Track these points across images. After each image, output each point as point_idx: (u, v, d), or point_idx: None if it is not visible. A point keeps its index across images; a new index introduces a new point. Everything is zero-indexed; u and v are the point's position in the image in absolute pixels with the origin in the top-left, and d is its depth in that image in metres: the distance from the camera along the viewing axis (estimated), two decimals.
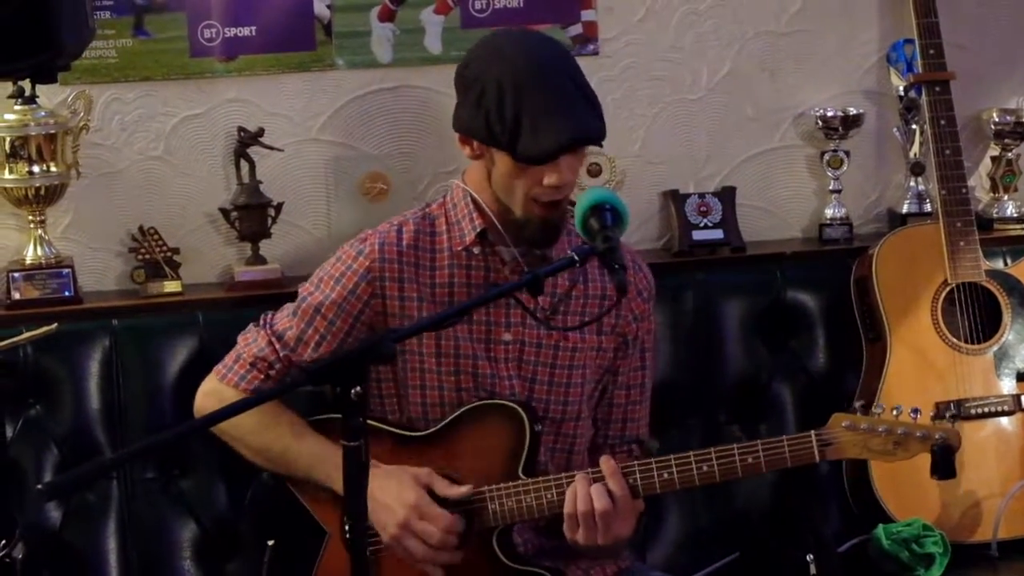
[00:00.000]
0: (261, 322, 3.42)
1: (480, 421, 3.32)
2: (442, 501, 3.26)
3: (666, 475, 3.21)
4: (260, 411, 3.27)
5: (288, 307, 3.41)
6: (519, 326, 3.36)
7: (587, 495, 3.18)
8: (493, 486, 3.26)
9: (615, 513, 3.18)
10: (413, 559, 3.26)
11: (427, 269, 3.35)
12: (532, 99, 3.16)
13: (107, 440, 3.70)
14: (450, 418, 3.34)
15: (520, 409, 3.30)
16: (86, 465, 2.73)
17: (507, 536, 3.31)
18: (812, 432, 3.21)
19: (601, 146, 3.30)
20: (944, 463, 3.16)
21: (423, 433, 3.35)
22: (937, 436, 3.16)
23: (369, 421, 3.27)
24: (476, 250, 3.34)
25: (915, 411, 3.17)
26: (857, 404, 3.22)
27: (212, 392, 3.42)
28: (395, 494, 3.23)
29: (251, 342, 3.40)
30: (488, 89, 3.18)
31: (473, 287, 3.34)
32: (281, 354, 3.37)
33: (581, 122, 3.20)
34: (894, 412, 3.17)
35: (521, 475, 3.27)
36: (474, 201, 3.33)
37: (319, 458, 3.31)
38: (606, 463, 3.21)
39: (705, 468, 3.21)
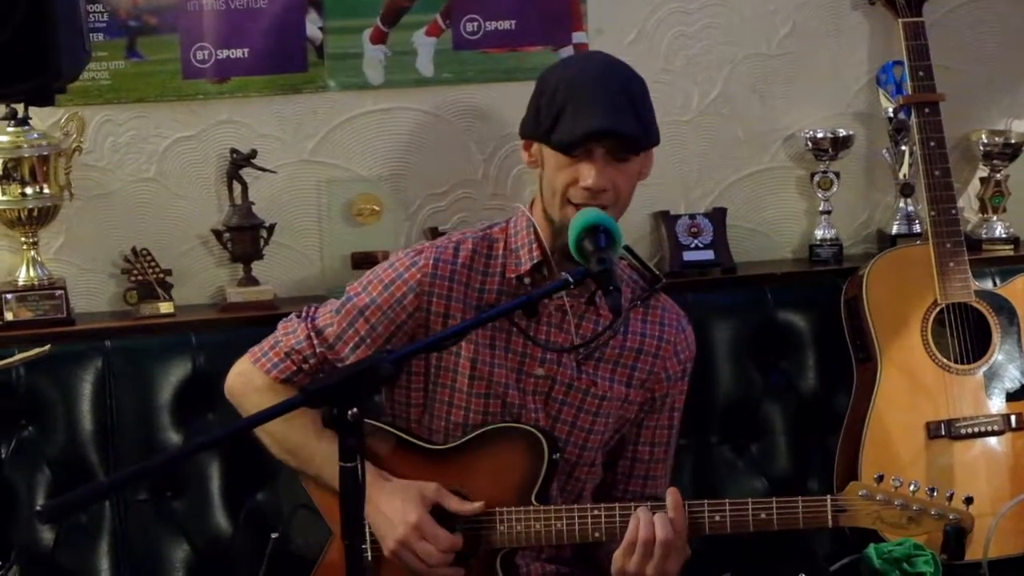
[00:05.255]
0: (304, 314, 3.41)
1: (499, 443, 3.33)
2: (450, 516, 3.27)
3: None
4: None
5: (332, 303, 3.41)
6: (553, 364, 3.37)
7: (651, 523, 3.18)
8: (505, 508, 3.27)
9: (673, 546, 3.19)
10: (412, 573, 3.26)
11: (476, 290, 3.35)
12: (578, 92, 3.22)
13: (99, 461, 3.70)
14: (471, 435, 3.34)
15: (540, 435, 3.30)
16: (86, 487, 2.73)
17: (511, 559, 3.32)
18: (828, 497, 3.22)
19: (637, 152, 3.27)
20: (956, 544, 3.18)
21: (441, 447, 3.36)
22: (951, 516, 3.18)
23: (389, 428, 3.34)
24: (527, 280, 3.35)
25: (932, 490, 3.19)
26: (875, 476, 3.23)
27: (244, 373, 3.42)
28: (399, 509, 3.23)
29: (290, 331, 3.40)
30: (546, 89, 3.26)
31: (516, 317, 3.32)
32: (318, 350, 3.36)
33: (618, 118, 3.22)
34: (911, 487, 3.19)
35: (534, 501, 3.28)
36: (535, 232, 3.34)
37: (333, 461, 3.29)
38: (672, 495, 3.21)
39: (718, 518, 3.22)
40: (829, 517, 3.21)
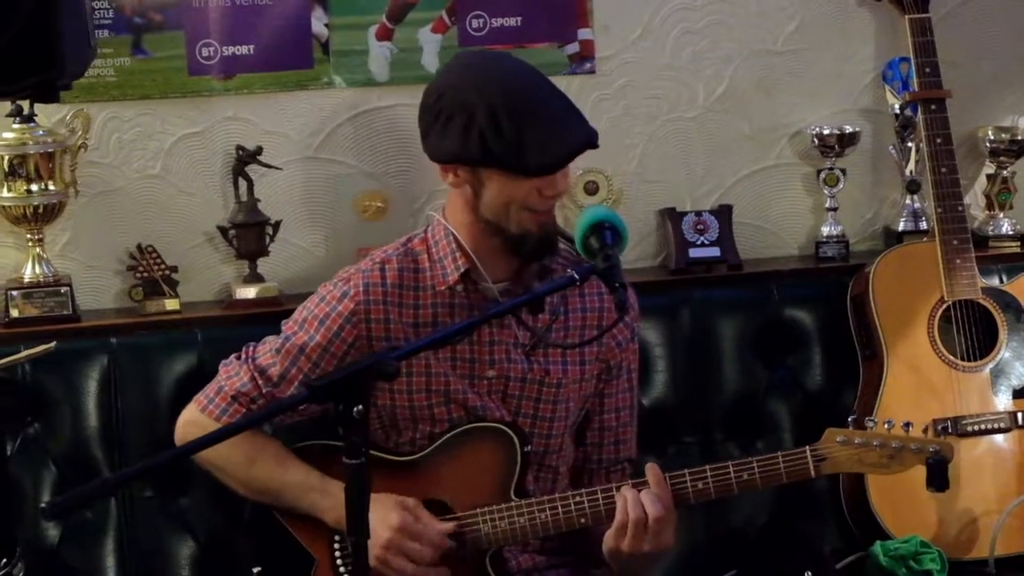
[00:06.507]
0: (243, 355, 3.41)
1: (469, 444, 3.33)
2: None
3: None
4: (244, 444, 3.30)
5: (270, 341, 3.40)
6: (503, 362, 3.36)
7: (638, 501, 3.18)
8: (485, 508, 3.26)
9: (665, 520, 3.19)
10: None
11: (411, 308, 3.34)
12: (529, 115, 3.18)
13: (105, 458, 3.70)
14: (439, 442, 3.34)
15: (510, 431, 3.30)
16: (89, 484, 2.72)
17: (499, 557, 3.31)
18: (807, 447, 3.22)
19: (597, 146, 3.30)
20: (939, 475, 3.18)
21: (412, 457, 3.36)
22: (931, 448, 3.19)
23: None
24: (459, 288, 3.34)
25: (907, 424, 3.20)
26: (849, 419, 3.24)
27: (193, 423, 3.41)
28: (380, 517, 3.21)
29: (233, 375, 3.38)
30: (477, 112, 3.17)
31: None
32: (264, 390, 3.35)
33: (580, 129, 3.24)
34: (886, 426, 3.20)
35: (513, 497, 3.28)
36: (456, 240, 3.33)
37: (304, 488, 3.31)
38: (652, 471, 3.21)
39: (700, 485, 3.22)
40: (811, 467, 3.21)
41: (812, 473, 3.22)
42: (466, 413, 3.35)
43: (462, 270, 3.32)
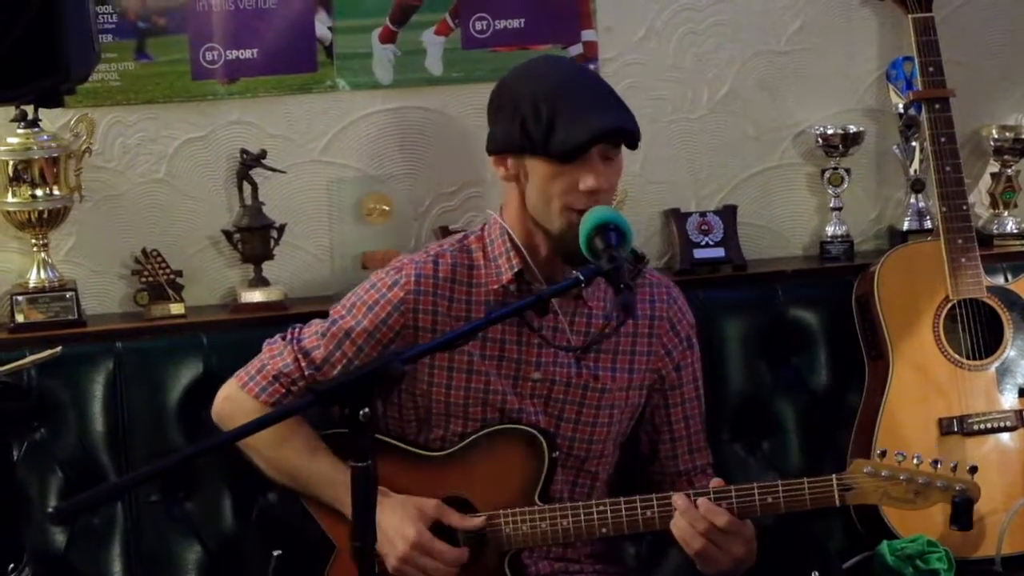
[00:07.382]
0: (289, 336, 3.41)
1: (498, 445, 3.33)
2: (453, 531, 3.26)
3: None
4: (276, 425, 3.28)
5: (317, 324, 3.40)
6: (550, 365, 3.37)
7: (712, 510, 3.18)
8: (509, 510, 3.26)
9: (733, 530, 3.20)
10: None
11: (462, 303, 3.35)
12: (566, 100, 3.20)
13: (111, 463, 3.70)
14: (468, 440, 3.34)
15: (539, 434, 3.30)
16: (99, 488, 2.72)
17: (518, 559, 3.31)
18: (833, 476, 3.23)
19: (636, 147, 3.31)
20: (964, 514, 3.19)
21: (440, 454, 3.36)
22: (958, 487, 3.19)
23: (386, 439, 3.32)
24: (512, 287, 3.35)
25: (935, 462, 3.20)
26: (877, 451, 3.23)
27: (232, 399, 3.41)
28: (397, 526, 3.23)
29: (276, 355, 3.39)
30: (523, 102, 3.22)
31: (507, 325, 3.34)
32: (307, 372, 3.36)
33: (615, 116, 3.24)
34: (915, 460, 3.19)
35: (537, 501, 3.28)
36: (511, 239, 3.33)
37: (330, 480, 3.30)
38: (680, 497, 3.22)
39: (724, 505, 3.21)
40: (836, 496, 3.22)
41: (837, 502, 3.23)
42: (501, 415, 3.35)
43: (516, 269, 3.33)
